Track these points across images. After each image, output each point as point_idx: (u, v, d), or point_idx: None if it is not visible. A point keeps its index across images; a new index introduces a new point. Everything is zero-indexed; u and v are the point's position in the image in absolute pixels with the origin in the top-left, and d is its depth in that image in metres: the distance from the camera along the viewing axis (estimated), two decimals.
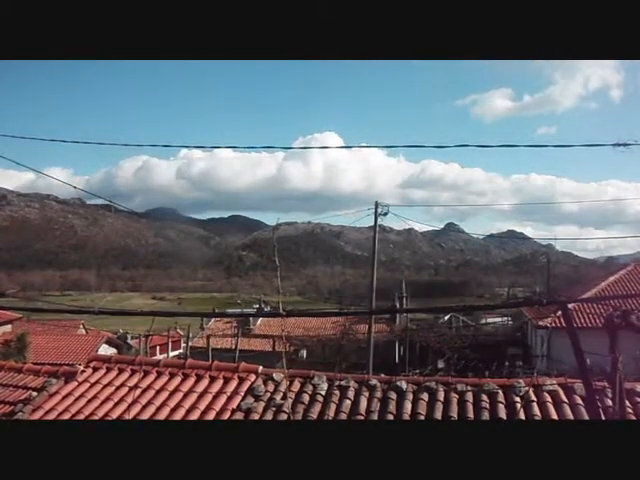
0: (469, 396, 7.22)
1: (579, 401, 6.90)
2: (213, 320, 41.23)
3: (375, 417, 7.02)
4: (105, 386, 8.13)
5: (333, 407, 7.28)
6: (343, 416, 7.09)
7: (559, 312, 19.27)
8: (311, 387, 7.76)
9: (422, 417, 6.92)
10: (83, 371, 8.52)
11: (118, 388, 8.09)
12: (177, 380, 8.22)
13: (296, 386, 7.84)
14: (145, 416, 7.34)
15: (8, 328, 28.39)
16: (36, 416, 7.43)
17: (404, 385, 7.52)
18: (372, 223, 22.42)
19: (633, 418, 6.31)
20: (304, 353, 32.63)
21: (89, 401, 7.77)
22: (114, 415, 7.41)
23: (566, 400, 7.00)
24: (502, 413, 6.84)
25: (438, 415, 6.91)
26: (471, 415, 6.86)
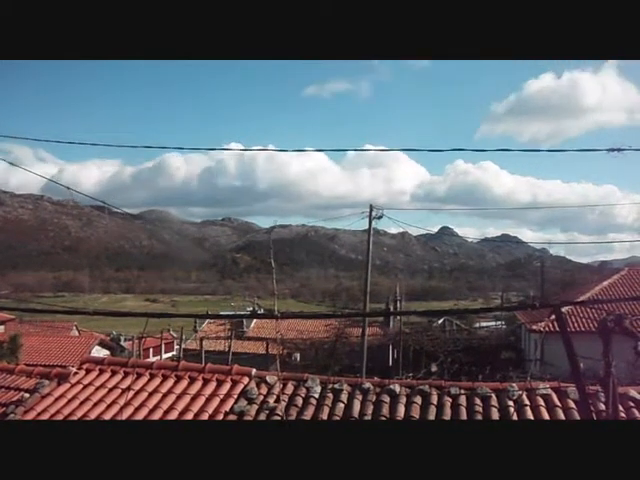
0: (462, 400, 7.23)
1: (572, 405, 6.92)
2: (206, 322, 41.11)
3: None
4: (98, 388, 8.08)
5: (326, 410, 7.27)
6: (336, 419, 7.08)
7: (553, 316, 19.30)
8: (304, 390, 7.75)
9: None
10: (76, 373, 8.47)
11: (111, 390, 8.04)
12: (170, 382, 8.19)
13: (289, 389, 7.83)
14: (138, 418, 7.30)
15: (1, 329, 28.25)
16: (28, 418, 7.37)
17: (397, 388, 7.53)
18: (366, 226, 22.45)
19: None
20: (297, 356, 32.58)
21: (82, 403, 7.72)
22: (107, 417, 7.36)
23: (559, 404, 7.03)
24: (495, 417, 6.85)
25: (431, 418, 6.92)
26: (464, 419, 6.87)
